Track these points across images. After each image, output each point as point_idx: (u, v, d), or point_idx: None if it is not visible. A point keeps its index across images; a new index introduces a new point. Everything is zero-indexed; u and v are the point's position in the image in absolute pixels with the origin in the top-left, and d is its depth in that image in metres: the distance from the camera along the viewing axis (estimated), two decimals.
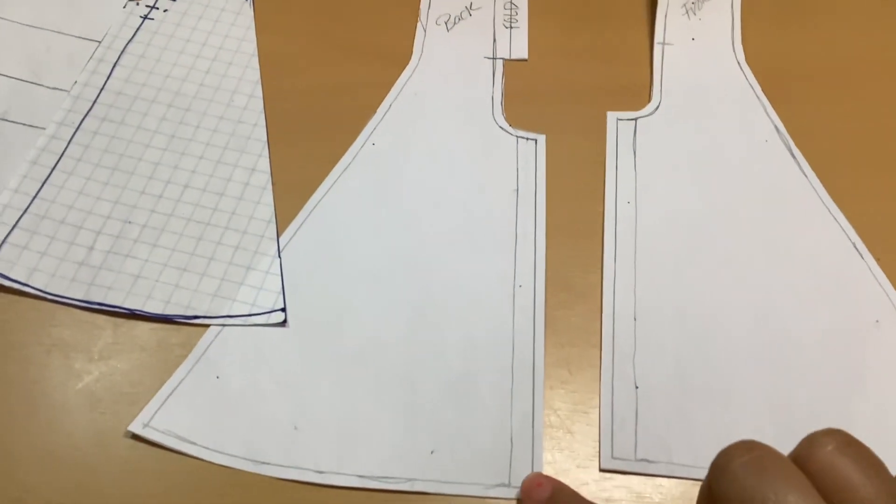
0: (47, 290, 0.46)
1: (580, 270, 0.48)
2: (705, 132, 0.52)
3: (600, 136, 0.53)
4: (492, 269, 0.47)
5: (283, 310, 0.46)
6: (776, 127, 0.52)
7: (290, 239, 0.48)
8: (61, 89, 0.53)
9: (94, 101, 0.52)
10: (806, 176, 0.50)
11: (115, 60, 0.54)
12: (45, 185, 0.49)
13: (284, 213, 0.49)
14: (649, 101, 0.54)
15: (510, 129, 0.52)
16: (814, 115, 0.54)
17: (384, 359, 0.44)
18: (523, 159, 0.51)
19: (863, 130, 0.53)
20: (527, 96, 0.54)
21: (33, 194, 0.49)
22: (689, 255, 0.48)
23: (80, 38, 0.55)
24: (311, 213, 0.49)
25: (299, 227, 0.48)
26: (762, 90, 0.54)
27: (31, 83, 0.53)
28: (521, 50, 0.56)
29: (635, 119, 0.52)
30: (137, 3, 0.57)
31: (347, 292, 0.46)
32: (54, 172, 0.50)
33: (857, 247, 0.48)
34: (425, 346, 0.45)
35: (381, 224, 0.49)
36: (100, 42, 0.55)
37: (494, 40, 0.56)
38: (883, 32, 0.58)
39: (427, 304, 0.46)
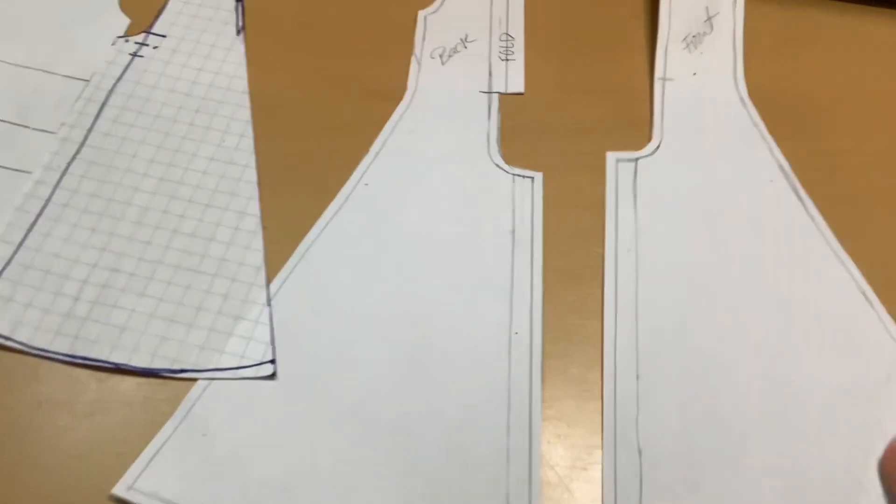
0: (31, 343, 0.45)
1: (578, 317, 0.46)
2: (709, 173, 0.51)
3: (599, 174, 0.51)
4: (487, 316, 0.46)
5: (273, 362, 0.45)
6: (781, 166, 0.51)
7: (281, 286, 0.47)
8: (48, 131, 0.52)
9: (82, 144, 0.51)
10: (813, 219, 0.49)
11: (103, 100, 0.53)
12: (31, 233, 0.48)
13: (275, 258, 0.48)
14: (650, 139, 0.52)
15: (506, 167, 0.51)
16: (821, 152, 0.52)
17: (378, 413, 0.43)
18: (520, 199, 0.50)
19: (873, 169, 0.52)
20: (523, 132, 0.53)
21: (18, 243, 0.48)
22: (693, 306, 0.46)
23: (68, 77, 0.54)
24: (301, 258, 0.48)
25: (290, 274, 0.47)
26: (766, 127, 0.52)
27: (18, 125, 0.52)
28: (517, 83, 0.54)
29: (636, 160, 0.51)
30: (126, 40, 0.55)
31: (339, 342, 0.45)
32: (40, 219, 0.49)
33: (867, 295, 0.46)
34: (420, 399, 0.44)
35: (374, 270, 0.47)
36: (88, 81, 0.54)
37: (490, 73, 0.54)
38: (893, 65, 0.56)
39: (422, 354, 0.45)
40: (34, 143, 0.51)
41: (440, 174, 0.50)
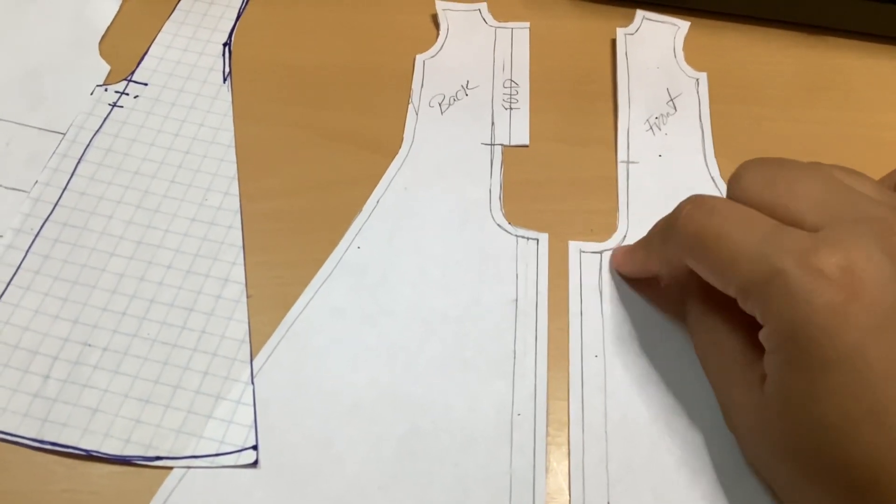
0: None
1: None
2: None
3: (608, 230, 0.47)
4: (487, 396, 0.43)
5: (255, 448, 0.41)
6: None
7: (265, 362, 0.44)
8: (21, 190, 0.49)
9: (56, 204, 0.48)
10: None
11: (79, 155, 0.50)
12: (0, 304, 0.45)
13: (259, 330, 0.45)
14: (615, 229, 0.48)
15: (509, 228, 0.47)
16: None
17: None
18: (523, 263, 0.46)
19: None
20: (528, 188, 0.49)
21: None
22: (666, 422, 0.42)
23: (42, 129, 0.51)
24: (287, 331, 0.44)
25: (274, 349, 0.44)
26: None
27: None
28: (522, 135, 0.51)
29: (601, 252, 0.46)
30: (106, 90, 0.52)
31: (326, 426, 0.42)
32: (10, 288, 0.45)
33: None
34: (412, 490, 0.40)
35: (364, 344, 0.44)
36: (64, 135, 0.50)
37: (493, 123, 0.51)
38: (876, 131, 0.53)
39: (415, 440, 0.41)
40: (5, 202, 0.48)
41: (438, 237, 0.47)
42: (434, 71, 0.53)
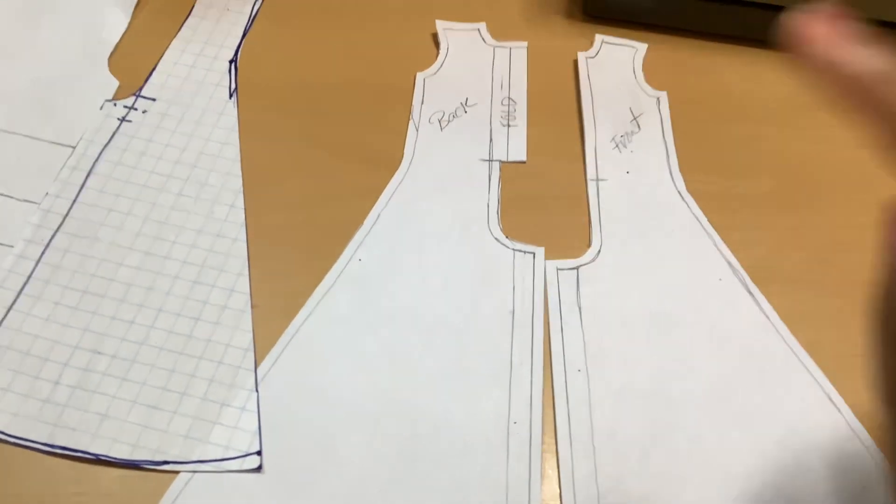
0: (8, 431, 0.43)
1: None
2: (654, 276, 0.48)
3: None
4: (485, 404, 0.44)
5: (259, 453, 0.42)
6: (729, 262, 0.48)
7: (268, 370, 0.45)
8: (31, 201, 0.50)
9: (66, 215, 0.49)
10: (768, 317, 0.47)
11: (89, 169, 0.51)
12: (11, 312, 0.46)
13: (263, 339, 0.46)
14: (589, 245, 0.49)
15: (507, 242, 0.49)
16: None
17: None
18: (520, 276, 0.48)
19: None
20: (524, 203, 0.50)
21: None
22: (652, 432, 0.43)
23: (53, 143, 0.52)
24: (291, 340, 0.46)
25: (278, 357, 0.45)
26: (709, 220, 0.50)
27: (1, 195, 0.50)
28: (519, 151, 0.52)
29: (577, 268, 0.48)
30: (115, 105, 0.53)
31: (329, 433, 0.43)
32: (21, 297, 0.47)
33: (833, 398, 0.44)
34: (412, 497, 0.41)
35: (365, 353, 0.45)
36: (74, 148, 0.52)
37: (491, 140, 0.52)
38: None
39: (413, 447, 0.43)
40: (16, 214, 0.50)
41: (438, 250, 0.48)
42: (434, 88, 0.55)
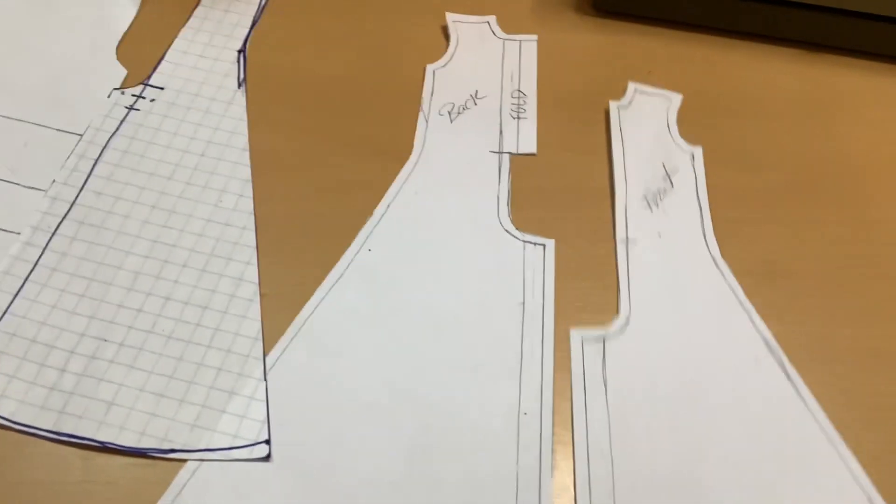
0: (14, 419, 0.43)
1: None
2: (685, 351, 0.45)
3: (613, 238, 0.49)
4: (495, 395, 0.44)
5: (268, 442, 0.42)
6: (766, 340, 0.45)
7: (277, 360, 0.45)
8: (38, 188, 0.50)
9: (73, 203, 0.49)
10: (806, 405, 0.43)
11: (96, 156, 0.51)
12: (17, 299, 0.46)
13: (272, 328, 0.46)
14: (617, 313, 0.47)
15: (517, 234, 0.48)
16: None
17: (378, 501, 0.40)
18: (530, 268, 0.47)
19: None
20: (534, 196, 0.50)
21: (4, 309, 0.45)
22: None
23: (60, 130, 0.52)
24: (300, 329, 0.45)
25: (287, 346, 0.45)
26: (744, 293, 0.47)
27: (7, 182, 0.50)
28: (529, 144, 0.52)
29: (603, 339, 0.45)
30: (123, 93, 0.53)
31: (338, 423, 0.43)
32: (27, 284, 0.46)
33: (872, 498, 0.41)
34: (422, 488, 0.41)
35: (375, 344, 0.45)
36: (81, 136, 0.51)
37: (501, 132, 0.52)
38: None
39: (425, 438, 0.42)
40: (23, 201, 0.49)
41: (447, 241, 0.48)
42: (444, 80, 0.54)
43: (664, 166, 0.51)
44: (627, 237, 0.48)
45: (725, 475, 0.41)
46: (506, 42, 0.56)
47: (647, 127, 0.53)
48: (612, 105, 0.54)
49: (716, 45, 0.58)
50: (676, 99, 0.54)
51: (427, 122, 0.53)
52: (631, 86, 0.55)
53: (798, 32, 0.57)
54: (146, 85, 0.54)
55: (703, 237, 0.49)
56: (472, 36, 0.56)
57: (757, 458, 0.42)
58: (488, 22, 0.57)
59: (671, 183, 0.50)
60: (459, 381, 0.44)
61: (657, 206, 0.49)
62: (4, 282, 0.46)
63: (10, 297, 0.46)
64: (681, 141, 0.53)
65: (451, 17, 0.57)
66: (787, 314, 0.47)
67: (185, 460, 0.42)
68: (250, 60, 0.56)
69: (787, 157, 0.53)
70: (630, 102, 0.54)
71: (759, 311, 0.46)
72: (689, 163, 0.52)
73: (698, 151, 0.52)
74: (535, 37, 0.56)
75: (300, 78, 0.55)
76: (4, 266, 0.47)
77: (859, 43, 0.57)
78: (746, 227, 0.50)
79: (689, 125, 0.54)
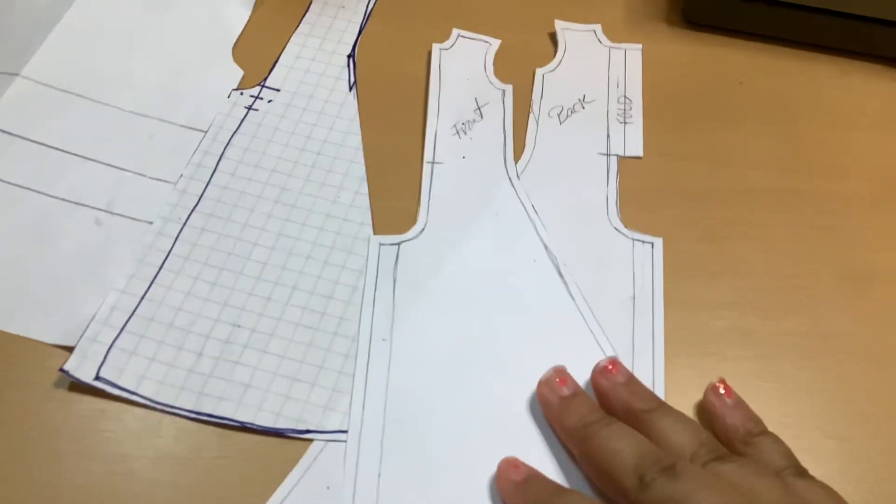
0: (156, 399, 0.45)
1: (697, 391, 0.46)
2: (471, 255, 0.50)
3: (715, 239, 0.51)
4: None
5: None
6: (546, 245, 0.50)
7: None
8: (164, 180, 0.52)
9: (201, 196, 0.52)
10: (573, 299, 0.48)
11: (220, 153, 0.53)
12: (153, 286, 0.48)
13: None
14: (415, 222, 0.51)
15: (626, 231, 0.50)
16: None
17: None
18: (639, 264, 0.49)
19: None
20: (641, 197, 0.52)
21: (141, 295, 0.48)
22: (440, 394, 0.46)
23: (183, 126, 0.54)
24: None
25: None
26: (533, 208, 0.52)
27: (135, 174, 0.52)
28: (636, 147, 0.54)
29: (398, 244, 0.50)
30: (241, 93, 0.56)
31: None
32: (162, 271, 0.49)
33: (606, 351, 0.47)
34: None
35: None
36: (205, 132, 0.54)
37: (608, 136, 0.54)
38: None
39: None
40: (151, 192, 0.52)
41: (558, 235, 0.50)
42: (553, 84, 0.57)
43: (476, 101, 0.56)
44: (434, 160, 0.53)
45: (491, 357, 0.47)
46: (611, 50, 0.58)
47: (465, 67, 0.57)
48: (435, 46, 0.58)
49: (803, 58, 0.60)
50: (495, 43, 0.59)
51: (537, 122, 0.55)
52: (455, 31, 0.59)
53: (888, 49, 0.59)
54: (263, 86, 0.57)
55: (503, 159, 0.53)
56: (580, 43, 0.58)
57: (523, 345, 0.47)
58: (594, 30, 0.59)
59: (481, 115, 0.55)
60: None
61: (465, 134, 0.54)
62: (140, 269, 0.49)
63: (147, 284, 0.48)
64: (494, 80, 0.57)
65: (559, 25, 0.59)
66: None
67: (311, 440, 0.44)
68: (359, 64, 0.58)
69: (869, 167, 0.55)
70: (452, 45, 0.58)
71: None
72: (499, 98, 0.56)
73: (509, 89, 0.56)
74: (639, 46, 0.58)
75: (407, 80, 0.57)
76: (139, 254, 0.49)
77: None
78: None
79: (770, 133, 0.57)
